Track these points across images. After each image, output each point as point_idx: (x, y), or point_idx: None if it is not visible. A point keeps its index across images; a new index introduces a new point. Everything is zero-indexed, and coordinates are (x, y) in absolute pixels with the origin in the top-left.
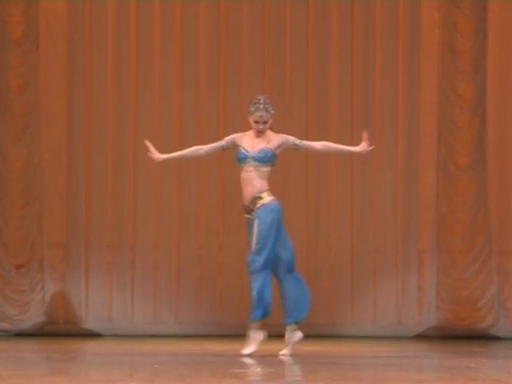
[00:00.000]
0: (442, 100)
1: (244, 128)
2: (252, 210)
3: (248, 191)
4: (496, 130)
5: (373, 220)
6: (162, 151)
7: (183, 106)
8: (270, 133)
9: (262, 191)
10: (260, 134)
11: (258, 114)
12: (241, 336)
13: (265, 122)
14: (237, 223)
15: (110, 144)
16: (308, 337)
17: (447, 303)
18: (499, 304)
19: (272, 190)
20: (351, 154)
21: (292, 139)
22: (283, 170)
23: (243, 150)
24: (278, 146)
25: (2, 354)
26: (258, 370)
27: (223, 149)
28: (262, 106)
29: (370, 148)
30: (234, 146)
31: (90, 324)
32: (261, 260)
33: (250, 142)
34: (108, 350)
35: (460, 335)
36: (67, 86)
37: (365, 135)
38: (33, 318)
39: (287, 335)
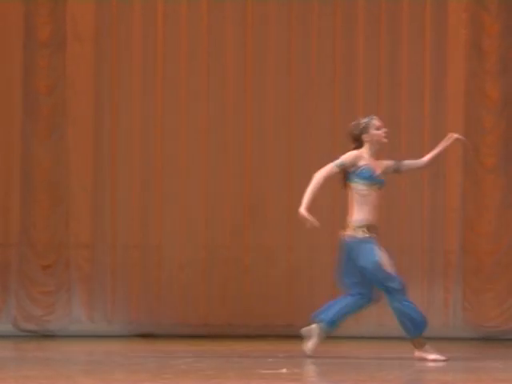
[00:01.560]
0: (469, 101)
1: (266, 131)
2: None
3: (376, 212)
4: None
5: (399, 221)
6: (187, 153)
7: (210, 106)
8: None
9: None
10: (384, 139)
11: (376, 120)
12: (267, 336)
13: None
14: (262, 224)
15: (137, 145)
16: (333, 337)
17: (474, 304)
18: None
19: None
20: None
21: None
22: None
23: (372, 170)
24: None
25: (29, 355)
26: (284, 370)
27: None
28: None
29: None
30: (351, 166)
31: (115, 324)
32: (399, 278)
33: (372, 163)
34: (134, 350)
35: (487, 336)
36: (94, 87)
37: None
38: (59, 318)
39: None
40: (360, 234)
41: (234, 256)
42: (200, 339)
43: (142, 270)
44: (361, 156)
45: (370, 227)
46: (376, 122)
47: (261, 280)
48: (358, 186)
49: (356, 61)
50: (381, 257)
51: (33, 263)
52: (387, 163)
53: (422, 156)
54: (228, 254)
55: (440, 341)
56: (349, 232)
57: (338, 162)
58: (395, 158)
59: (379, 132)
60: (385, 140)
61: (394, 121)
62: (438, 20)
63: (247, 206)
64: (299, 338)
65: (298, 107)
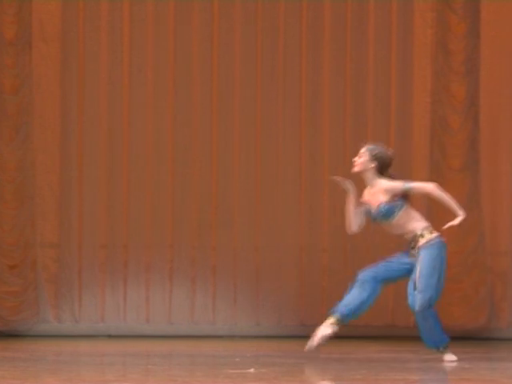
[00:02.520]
0: (435, 101)
1: (232, 132)
2: None
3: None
4: (489, 130)
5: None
6: (153, 153)
7: (176, 107)
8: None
9: None
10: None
11: None
12: (233, 337)
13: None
14: (228, 225)
15: (103, 145)
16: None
17: (440, 303)
18: (492, 304)
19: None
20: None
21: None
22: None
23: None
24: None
25: None
26: (252, 370)
27: None
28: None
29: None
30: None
31: (82, 324)
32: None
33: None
34: (101, 350)
35: (453, 336)
36: (60, 87)
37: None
38: (26, 318)
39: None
40: None
41: (200, 256)
42: (166, 339)
43: (108, 270)
44: None
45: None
46: None
47: (227, 280)
48: None
49: (322, 60)
50: None
51: None
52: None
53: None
54: (194, 254)
55: (407, 340)
56: None
57: None
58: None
59: None
60: (353, 170)
61: (361, 120)
62: (405, 20)
63: (214, 206)
64: (266, 337)
65: (264, 107)
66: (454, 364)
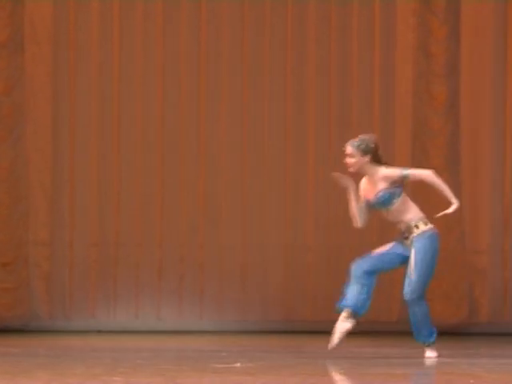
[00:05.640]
0: (417, 102)
1: (219, 132)
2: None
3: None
4: (469, 131)
5: (348, 220)
6: (144, 153)
7: (165, 107)
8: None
9: None
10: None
11: None
12: (220, 332)
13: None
14: (216, 223)
15: (94, 144)
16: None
17: None
18: (472, 300)
19: None
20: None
21: None
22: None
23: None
24: None
25: None
26: (238, 364)
27: None
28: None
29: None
30: None
31: (73, 320)
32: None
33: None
34: (91, 345)
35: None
36: (52, 88)
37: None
38: (18, 314)
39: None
40: None
41: (188, 254)
42: (155, 334)
43: (99, 268)
44: None
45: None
46: None
47: (215, 277)
48: None
49: (307, 63)
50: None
51: None
52: None
53: None
54: (182, 252)
55: (387, 334)
56: None
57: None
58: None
59: None
60: (350, 170)
61: (344, 121)
62: (387, 24)
63: (201, 206)
64: (252, 332)
65: (250, 106)
66: (434, 360)
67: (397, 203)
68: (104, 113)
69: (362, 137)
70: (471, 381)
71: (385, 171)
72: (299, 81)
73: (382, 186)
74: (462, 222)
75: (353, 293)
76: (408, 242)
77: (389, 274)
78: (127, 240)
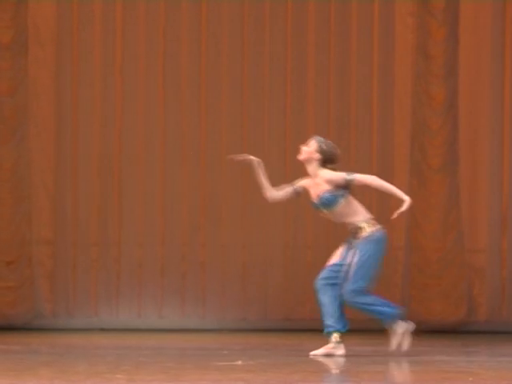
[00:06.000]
0: (416, 103)
1: (220, 132)
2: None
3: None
4: (467, 131)
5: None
6: (145, 153)
7: (167, 108)
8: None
9: None
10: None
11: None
12: (221, 330)
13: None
14: (217, 223)
15: (97, 145)
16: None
17: (420, 298)
18: (470, 299)
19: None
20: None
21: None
22: None
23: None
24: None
25: None
26: (239, 362)
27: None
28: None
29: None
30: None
31: (76, 318)
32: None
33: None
34: (94, 343)
35: (433, 329)
36: (55, 89)
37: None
38: (21, 312)
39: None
40: None
41: (190, 253)
42: (157, 333)
43: (102, 267)
44: None
45: None
46: None
47: (215, 276)
48: None
49: (307, 64)
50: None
51: None
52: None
53: (371, 157)
54: (184, 251)
55: (386, 333)
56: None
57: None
58: (344, 158)
59: None
60: (298, 157)
61: (343, 121)
62: (386, 25)
63: (203, 206)
64: (253, 331)
65: (250, 108)
66: (411, 326)
67: (341, 206)
68: (106, 113)
69: (330, 142)
70: (470, 378)
71: (328, 174)
72: (299, 81)
73: (325, 188)
74: (460, 222)
75: (328, 311)
76: (355, 242)
77: (387, 274)
78: (129, 239)
